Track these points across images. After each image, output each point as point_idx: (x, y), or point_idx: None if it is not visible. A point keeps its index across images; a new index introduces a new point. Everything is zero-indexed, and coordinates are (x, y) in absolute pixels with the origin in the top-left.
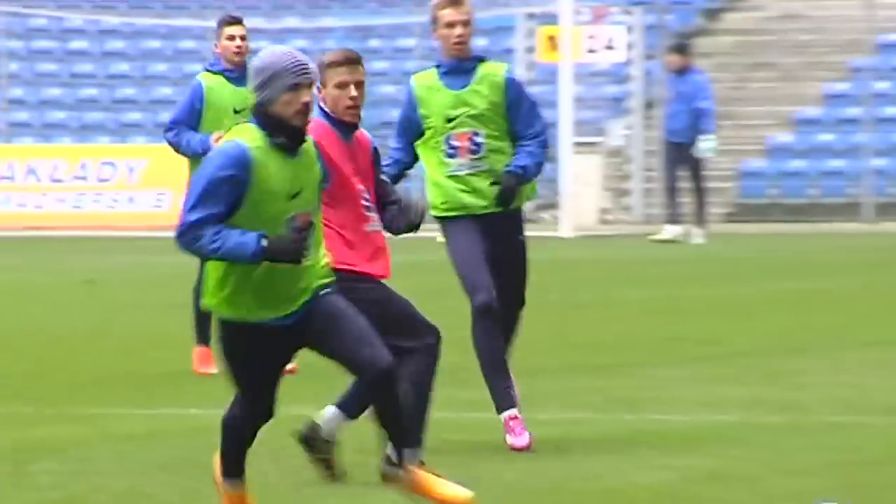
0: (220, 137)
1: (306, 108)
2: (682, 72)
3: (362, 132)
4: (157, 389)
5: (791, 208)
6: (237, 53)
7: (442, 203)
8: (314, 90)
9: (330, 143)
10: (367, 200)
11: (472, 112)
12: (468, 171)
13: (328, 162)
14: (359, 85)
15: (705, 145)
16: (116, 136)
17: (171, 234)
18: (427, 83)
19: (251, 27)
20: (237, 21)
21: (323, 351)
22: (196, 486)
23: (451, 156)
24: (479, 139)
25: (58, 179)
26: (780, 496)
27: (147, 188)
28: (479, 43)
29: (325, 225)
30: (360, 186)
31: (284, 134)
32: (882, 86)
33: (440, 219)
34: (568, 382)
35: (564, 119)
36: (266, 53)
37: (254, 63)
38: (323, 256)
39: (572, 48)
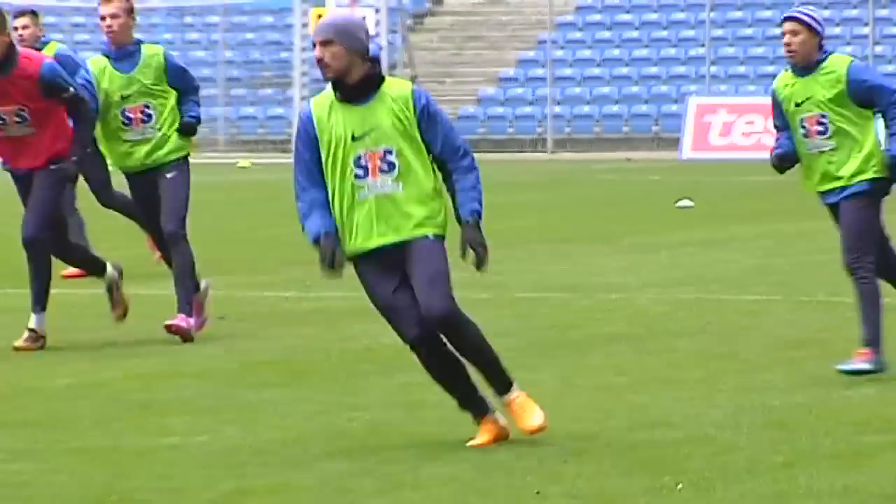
0: None
1: (319, 63)
2: None
3: (32, 64)
4: None
5: (495, 142)
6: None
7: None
8: (334, 46)
9: None
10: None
11: (142, 89)
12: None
13: None
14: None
15: None
16: None
17: None
18: (100, 65)
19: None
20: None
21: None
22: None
23: (125, 125)
24: (149, 111)
25: None
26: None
27: None
28: (265, 20)
29: None
30: (7, 108)
31: (335, 88)
32: (559, 53)
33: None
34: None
35: None
36: None
37: None
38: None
39: None
